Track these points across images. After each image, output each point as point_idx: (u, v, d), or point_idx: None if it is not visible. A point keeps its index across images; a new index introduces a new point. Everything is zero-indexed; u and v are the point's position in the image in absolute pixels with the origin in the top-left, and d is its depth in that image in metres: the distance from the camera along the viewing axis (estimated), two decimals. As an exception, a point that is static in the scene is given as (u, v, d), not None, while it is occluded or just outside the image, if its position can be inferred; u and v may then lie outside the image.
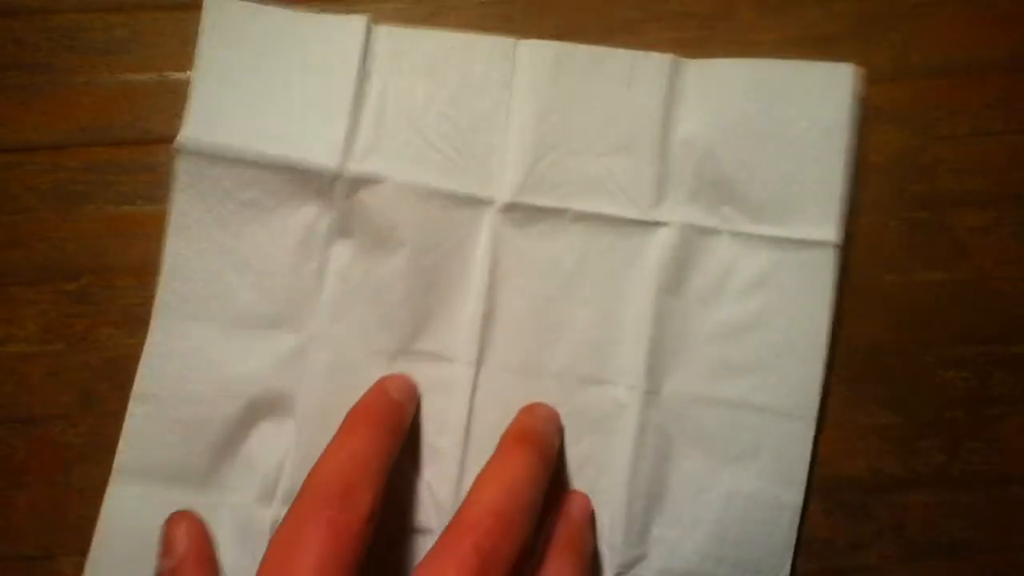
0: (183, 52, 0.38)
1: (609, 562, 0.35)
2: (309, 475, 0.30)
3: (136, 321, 0.37)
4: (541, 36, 0.37)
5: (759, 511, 0.36)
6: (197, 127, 0.36)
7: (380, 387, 0.35)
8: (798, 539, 0.37)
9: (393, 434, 0.33)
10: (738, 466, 0.36)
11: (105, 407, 0.37)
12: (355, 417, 0.33)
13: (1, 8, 0.39)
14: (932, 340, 0.38)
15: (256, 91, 0.37)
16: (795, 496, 0.36)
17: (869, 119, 0.38)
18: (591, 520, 0.35)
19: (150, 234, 0.37)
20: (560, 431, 0.36)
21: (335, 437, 0.32)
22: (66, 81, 0.38)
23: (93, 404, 0.37)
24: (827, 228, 0.36)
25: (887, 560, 0.37)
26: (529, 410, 0.35)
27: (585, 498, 0.35)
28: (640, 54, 0.37)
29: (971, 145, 0.38)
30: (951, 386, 0.37)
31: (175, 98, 0.38)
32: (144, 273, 0.37)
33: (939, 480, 0.37)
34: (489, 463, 0.32)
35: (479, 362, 0.36)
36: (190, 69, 0.38)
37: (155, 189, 0.38)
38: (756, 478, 0.36)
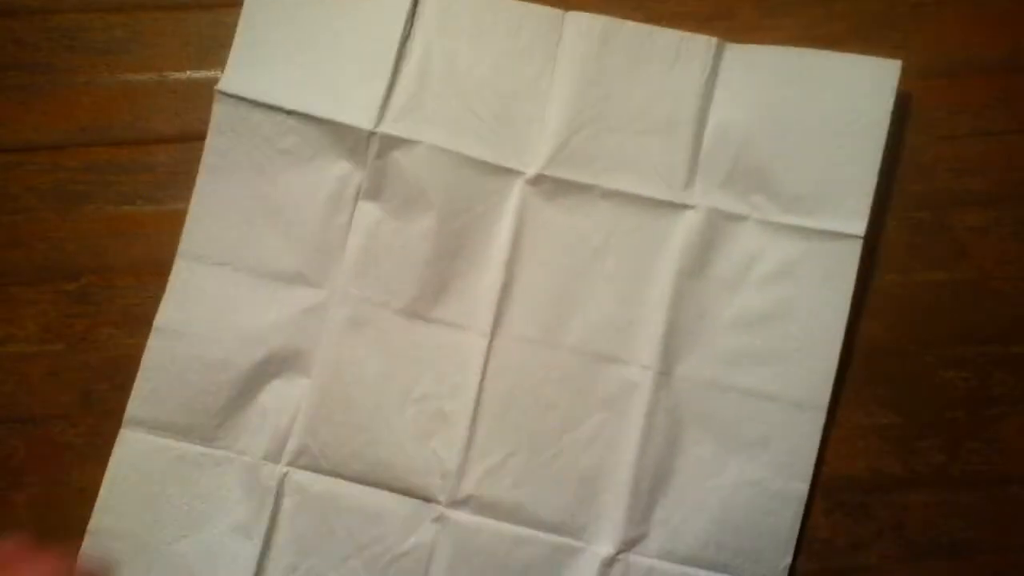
0: (183, 52, 0.38)
1: (610, 538, 0.36)
2: None
3: (136, 321, 0.37)
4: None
5: (764, 500, 0.36)
6: (239, 72, 0.37)
7: None
8: (799, 538, 0.37)
9: None
10: (746, 455, 0.36)
11: (105, 407, 0.37)
12: None
13: (1, 8, 0.39)
14: (932, 340, 0.38)
15: (300, 42, 0.37)
16: (801, 488, 0.36)
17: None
18: None
19: (150, 234, 0.37)
20: None
21: None
22: (66, 81, 0.38)
23: (93, 404, 0.37)
24: (857, 221, 0.36)
25: (887, 560, 0.37)
26: None
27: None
28: (687, 35, 0.37)
29: (971, 145, 0.38)
30: (951, 386, 0.37)
31: (175, 98, 0.38)
32: (144, 273, 0.37)
33: (939, 480, 0.37)
34: None
35: (493, 332, 0.36)
36: (190, 69, 0.38)
37: (155, 189, 0.38)
38: (764, 468, 0.36)
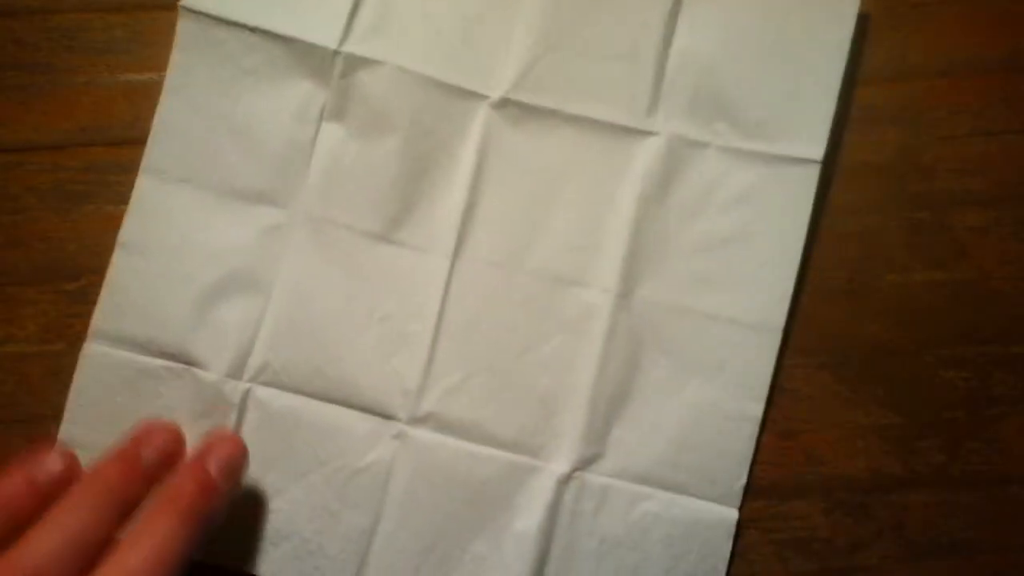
0: (172, 52, 0.38)
1: (566, 457, 0.36)
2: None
3: (136, 321, 0.37)
4: None
5: (720, 421, 0.36)
6: None
7: (197, 466, 0.33)
8: (798, 537, 0.37)
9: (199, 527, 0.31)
10: (703, 376, 0.36)
11: (105, 407, 0.37)
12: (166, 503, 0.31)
13: (1, 8, 0.39)
14: (932, 340, 0.38)
15: None
16: (756, 408, 0.36)
17: (869, 119, 0.38)
18: (199, 471, 0.33)
19: (150, 234, 0.37)
20: (219, 487, 0.32)
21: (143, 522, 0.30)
22: (66, 81, 0.38)
23: (93, 404, 0.37)
24: (815, 146, 0.36)
25: (887, 560, 0.37)
26: (187, 470, 0.33)
27: (208, 446, 0.33)
28: None
29: (971, 145, 0.38)
30: (951, 386, 0.37)
31: (175, 98, 0.38)
32: (144, 273, 0.37)
33: (939, 480, 0.37)
34: (136, 528, 0.30)
35: (456, 254, 0.37)
36: (190, 69, 0.38)
37: (155, 189, 0.38)
38: (720, 389, 0.36)
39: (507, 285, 0.37)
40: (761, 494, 0.37)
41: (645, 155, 0.37)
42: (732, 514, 0.36)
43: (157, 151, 0.37)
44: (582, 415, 0.36)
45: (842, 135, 0.38)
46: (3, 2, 0.39)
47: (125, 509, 0.31)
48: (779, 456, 0.37)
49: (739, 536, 0.37)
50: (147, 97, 0.38)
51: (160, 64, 0.38)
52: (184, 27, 0.37)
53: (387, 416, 0.36)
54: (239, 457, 0.34)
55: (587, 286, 0.37)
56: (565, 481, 0.36)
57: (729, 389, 0.36)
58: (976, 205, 0.38)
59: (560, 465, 0.36)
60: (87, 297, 0.37)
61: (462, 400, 0.36)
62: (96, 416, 0.36)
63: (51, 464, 0.32)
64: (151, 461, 0.33)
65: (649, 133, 0.37)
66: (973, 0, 0.39)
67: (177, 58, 0.37)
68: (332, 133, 0.37)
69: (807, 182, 0.36)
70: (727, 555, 0.36)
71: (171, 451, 0.33)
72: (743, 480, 0.36)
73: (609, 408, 0.36)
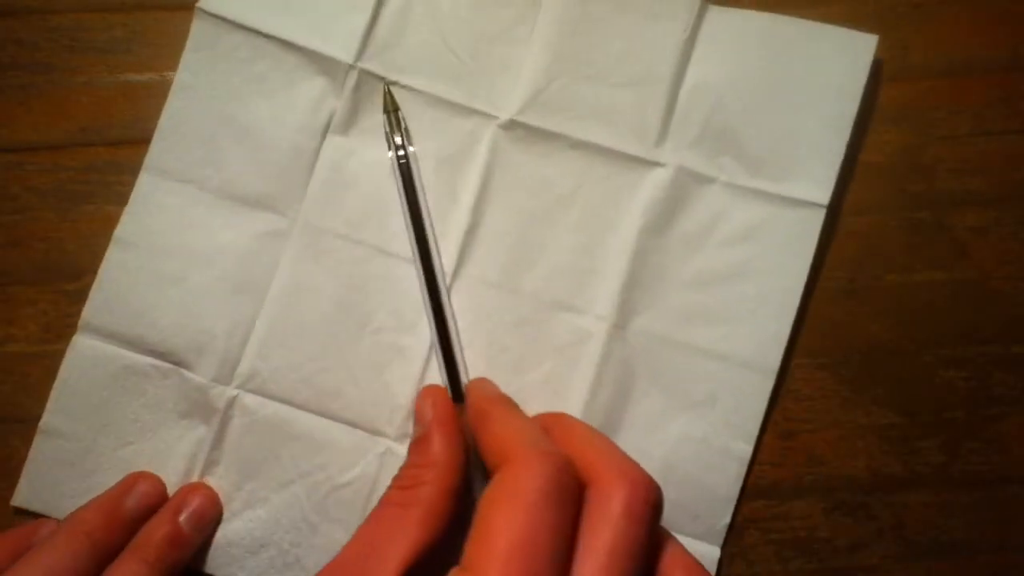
0: (183, 52, 0.38)
1: None
2: None
3: (136, 321, 0.37)
4: None
5: (708, 457, 0.36)
6: None
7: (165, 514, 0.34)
8: (798, 537, 0.37)
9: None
10: (694, 411, 0.36)
11: (105, 407, 0.37)
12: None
13: (1, 8, 0.39)
14: (932, 340, 0.38)
15: None
16: (745, 448, 0.36)
17: (869, 119, 0.38)
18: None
19: (150, 234, 0.37)
20: (188, 538, 0.34)
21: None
22: (66, 81, 0.38)
23: (93, 404, 0.37)
24: (822, 190, 0.36)
25: (887, 560, 0.37)
26: (159, 520, 0.34)
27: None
28: None
29: (971, 145, 0.38)
30: (951, 386, 0.37)
31: (175, 98, 0.38)
32: (144, 273, 0.37)
33: (939, 480, 0.37)
34: (105, 574, 0.31)
35: (455, 272, 0.37)
36: (190, 69, 0.38)
37: (155, 189, 0.38)
38: (709, 425, 0.36)
39: (503, 306, 0.37)
40: (761, 494, 0.37)
41: (651, 186, 0.37)
42: (714, 552, 0.36)
43: (161, 150, 0.37)
44: None
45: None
46: (3, 2, 0.39)
47: (102, 555, 0.32)
48: (779, 456, 0.37)
49: (739, 536, 0.37)
50: (147, 97, 0.38)
51: (160, 64, 0.38)
52: (199, 28, 0.37)
53: (374, 432, 0.36)
54: (210, 509, 0.35)
55: (582, 312, 0.37)
56: None
57: (719, 426, 0.36)
58: (976, 205, 0.38)
59: None
60: (87, 297, 0.37)
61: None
62: (80, 408, 0.36)
63: (37, 532, 0.34)
64: (131, 510, 0.33)
65: (656, 164, 0.37)
66: (973, 0, 0.39)
67: (188, 58, 0.37)
68: (338, 145, 0.37)
69: (811, 225, 0.36)
70: None
71: (152, 503, 0.34)
72: (727, 519, 0.36)
73: None
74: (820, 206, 0.36)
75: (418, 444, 0.33)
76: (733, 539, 0.37)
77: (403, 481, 0.32)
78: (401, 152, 0.36)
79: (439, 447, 0.32)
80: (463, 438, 0.33)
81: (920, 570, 0.37)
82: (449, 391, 0.35)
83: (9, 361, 0.37)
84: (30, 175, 0.38)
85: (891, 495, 0.37)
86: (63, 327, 0.37)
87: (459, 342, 0.36)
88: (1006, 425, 0.37)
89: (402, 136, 0.36)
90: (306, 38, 0.37)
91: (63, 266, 0.38)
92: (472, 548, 0.25)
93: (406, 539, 0.30)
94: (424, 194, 0.36)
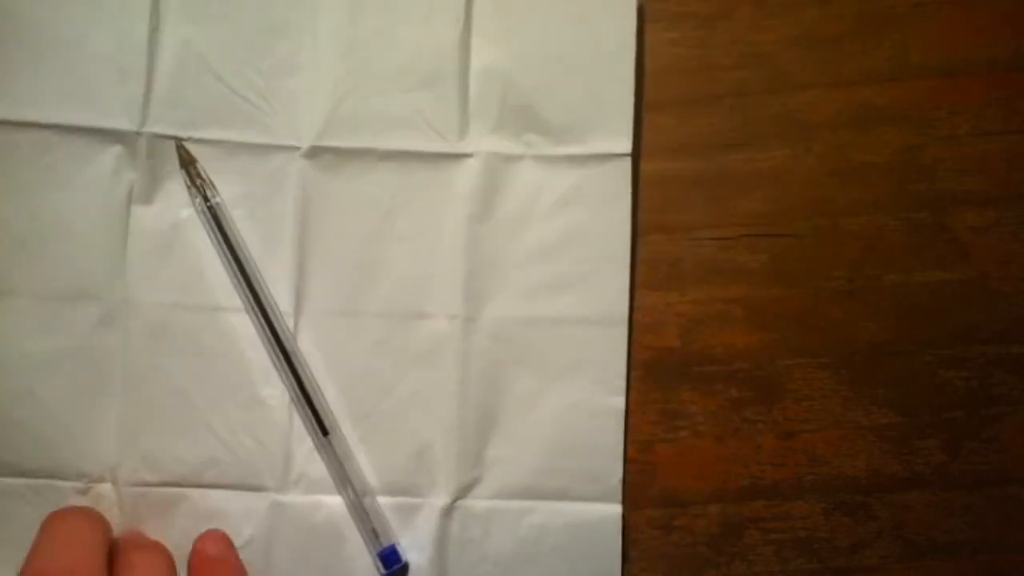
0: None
1: (444, 489, 0.36)
2: None
3: (136, 321, 0.37)
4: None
5: (587, 419, 0.37)
6: None
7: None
8: (798, 537, 0.37)
9: None
10: (564, 380, 0.37)
11: (105, 407, 0.37)
12: None
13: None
14: (932, 340, 0.38)
15: (46, 51, 0.36)
16: (618, 401, 0.37)
17: (869, 119, 0.38)
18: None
19: (150, 234, 0.37)
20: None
21: None
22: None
23: (93, 404, 0.37)
24: (622, 140, 0.37)
25: (887, 560, 0.37)
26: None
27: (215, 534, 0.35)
28: None
29: (971, 145, 0.38)
30: (951, 386, 0.37)
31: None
32: (144, 273, 0.37)
33: (939, 480, 0.37)
34: None
35: (297, 311, 0.36)
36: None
37: (155, 189, 0.38)
38: (581, 389, 0.37)
39: (354, 332, 0.37)
40: (761, 494, 0.37)
41: (465, 177, 0.37)
42: (616, 510, 0.36)
43: None
44: (453, 444, 0.36)
45: (841, 134, 0.38)
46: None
47: None
48: (779, 456, 0.37)
49: (739, 536, 0.37)
50: None
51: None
52: None
53: (257, 488, 0.36)
54: (162, 566, 0.33)
55: (432, 316, 0.37)
56: (448, 513, 0.36)
57: (589, 387, 0.37)
58: (976, 205, 0.38)
59: (440, 498, 0.36)
60: (87, 297, 0.37)
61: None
62: None
63: None
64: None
65: (465, 155, 0.37)
66: (973, 0, 0.39)
67: None
68: (144, 216, 0.36)
69: (622, 174, 0.37)
70: (619, 552, 0.36)
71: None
72: (619, 475, 0.36)
73: (478, 431, 0.36)
74: (625, 155, 0.37)
75: None
76: (733, 539, 0.37)
77: None
78: (209, 203, 0.36)
79: None
80: None
81: (920, 570, 0.37)
82: (318, 430, 0.36)
83: (9, 361, 0.37)
84: (30, 175, 0.38)
85: (891, 495, 0.37)
86: (63, 327, 0.37)
87: (313, 380, 0.36)
88: (1006, 425, 0.37)
89: (205, 186, 0.36)
90: (85, 118, 0.36)
91: (63, 266, 0.38)
92: None
93: None
94: (241, 240, 0.36)
